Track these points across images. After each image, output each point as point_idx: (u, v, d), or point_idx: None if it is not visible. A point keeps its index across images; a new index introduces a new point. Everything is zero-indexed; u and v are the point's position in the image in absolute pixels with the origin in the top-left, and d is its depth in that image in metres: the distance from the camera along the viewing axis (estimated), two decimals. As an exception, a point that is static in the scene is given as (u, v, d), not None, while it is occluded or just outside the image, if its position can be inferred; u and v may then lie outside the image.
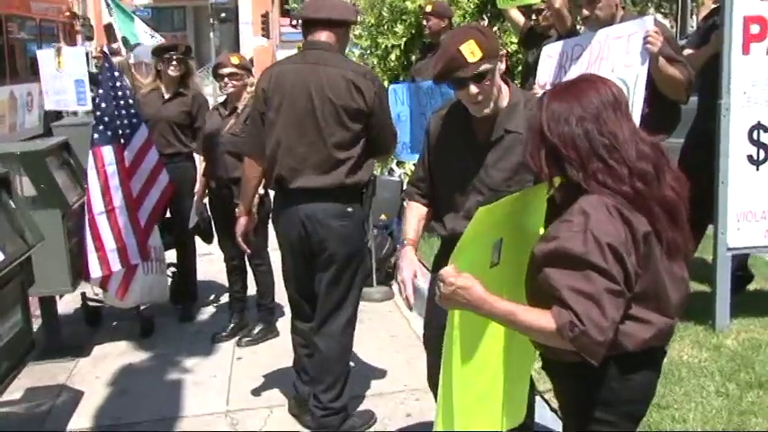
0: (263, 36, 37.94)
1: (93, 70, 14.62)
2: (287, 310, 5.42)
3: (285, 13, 38.70)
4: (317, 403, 4.00)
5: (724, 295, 4.55)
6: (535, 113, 2.25)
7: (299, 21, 4.02)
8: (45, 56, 8.18)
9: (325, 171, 3.77)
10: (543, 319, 2.06)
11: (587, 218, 2.07)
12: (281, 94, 3.79)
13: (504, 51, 3.03)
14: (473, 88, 2.85)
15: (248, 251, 4.34)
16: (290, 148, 3.78)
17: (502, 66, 2.98)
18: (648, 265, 2.14)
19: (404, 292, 2.93)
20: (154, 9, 43.44)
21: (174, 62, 5.73)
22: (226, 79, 5.11)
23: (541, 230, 2.36)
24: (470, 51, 2.80)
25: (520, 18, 6.18)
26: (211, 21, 30.96)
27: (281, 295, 5.46)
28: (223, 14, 30.29)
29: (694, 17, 29.27)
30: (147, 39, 12.44)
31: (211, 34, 31.44)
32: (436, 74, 2.94)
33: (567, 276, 2.05)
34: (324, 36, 3.84)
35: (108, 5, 12.62)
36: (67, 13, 17.82)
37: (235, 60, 5.17)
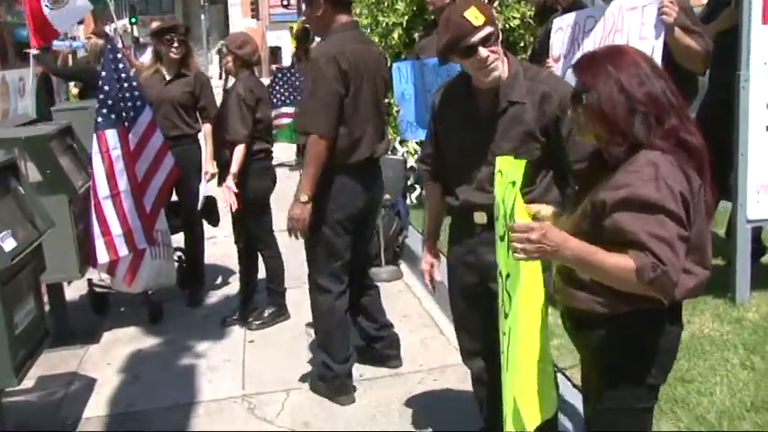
0: (252, 17, 37.74)
1: (83, 54, 14.42)
2: (296, 292, 5.40)
3: (274, -7, 38.57)
4: None
5: (744, 268, 4.51)
6: (595, 81, 2.25)
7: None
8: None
9: (382, 139, 4.20)
10: (622, 260, 2.12)
11: (657, 168, 2.15)
12: (359, 75, 3.94)
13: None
14: (483, 51, 2.88)
15: (297, 236, 4.09)
16: (373, 124, 4.06)
17: (500, 34, 2.99)
18: (697, 217, 2.22)
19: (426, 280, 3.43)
20: (142, -9, 43.12)
21: (176, 44, 5.64)
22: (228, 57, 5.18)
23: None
24: (474, 16, 2.86)
25: None
26: (202, 2, 30.68)
27: (293, 277, 5.44)
28: (213, -5, 30.08)
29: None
30: None
31: (201, 16, 31.17)
32: (443, 46, 2.93)
33: (642, 221, 2.12)
34: (351, 15, 4.06)
35: None
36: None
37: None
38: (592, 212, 2.25)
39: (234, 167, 5.01)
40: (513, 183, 2.26)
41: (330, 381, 4.25)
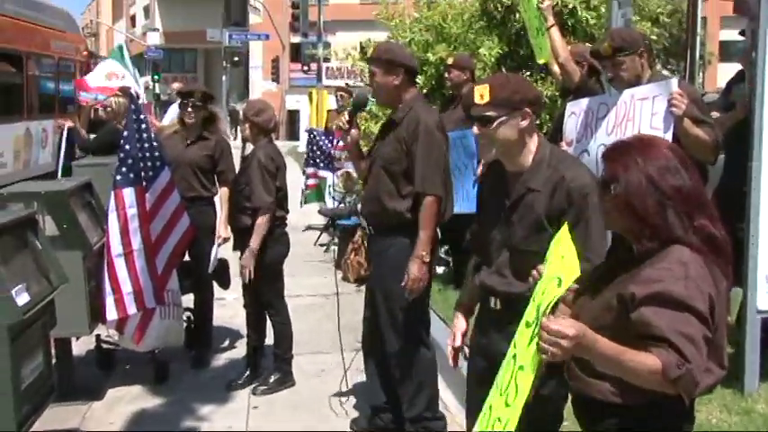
0: (272, 80, 38.34)
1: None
2: (303, 359, 5.40)
3: (295, 58, 39.27)
4: None
5: (753, 358, 4.49)
6: (618, 173, 2.26)
7: (405, 69, 4.26)
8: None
9: None
10: (648, 359, 2.10)
11: (687, 267, 2.16)
12: (446, 142, 4.32)
13: (529, 110, 2.96)
14: (474, 128, 2.97)
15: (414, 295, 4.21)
16: (450, 187, 4.35)
17: (523, 123, 2.94)
18: (719, 318, 2.22)
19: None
20: (165, 50, 43.99)
21: (190, 109, 5.77)
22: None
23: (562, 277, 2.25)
24: (480, 94, 2.90)
25: (575, 69, 6.10)
26: (224, 63, 31.25)
27: (299, 343, 5.43)
28: (236, 58, 30.62)
29: (701, 75, 29.50)
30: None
31: (223, 77, 31.70)
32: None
33: (670, 318, 2.12)
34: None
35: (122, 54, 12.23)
36: (85, 53, 17.98)
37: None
38: (618, 306, 2.23)
39: (259, 234, 5.08)
40: (560, 281, 2.17)
41: None
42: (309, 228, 11.03)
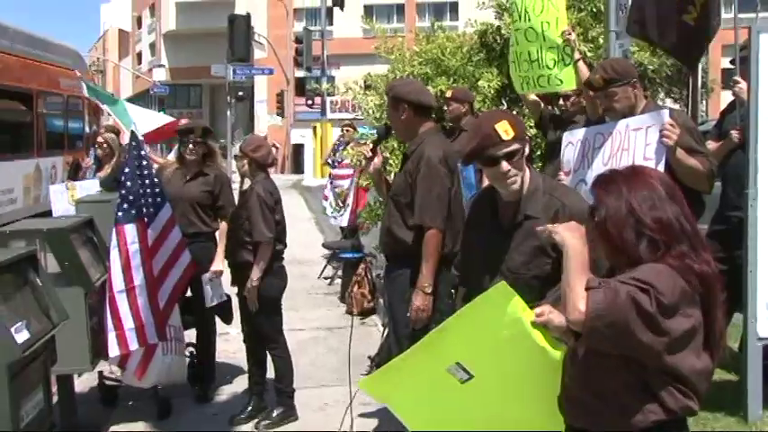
0: (277, 115, 38.56)
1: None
2: (307, 393, 5.38)
3: (300, 92, 39.53)
4: None
5: (756, 386, 4.48)
6: (610, 202, 2.33)
7: (409, 104, 4.32)
8: (57, 191, 7.65)
9: None
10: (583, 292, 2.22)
11: (658, 271, 2.21)
12: (456, 174, 4.37)
13: (528, 137, 3.13)
14: (505, 165, 3.01)
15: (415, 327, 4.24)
16: (460, 221, 4.24)
17: (527, 150, 3.12)
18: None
19: None
20: (171, 86, 44.40)
21: (191, 145, 5.83)
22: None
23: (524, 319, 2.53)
24: (504, 130, 2.99)
25: (536, 99, 6.25)
26: (228, 99, 31.46)
27: (303, 377, 5.42)
28: (240, 93, 30.80)
29: (704, 103, 29.55)
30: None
31: (228, 112, 31.90)
32: (469, 151, 3.11)
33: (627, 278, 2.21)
34: (433, 120, 4.47)
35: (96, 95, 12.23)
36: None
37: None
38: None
39: (260, 268, 5.12)
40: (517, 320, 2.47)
41: None
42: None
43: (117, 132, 8.28)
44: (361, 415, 5.12)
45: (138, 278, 5.10)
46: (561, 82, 5.45)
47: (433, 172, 4.19)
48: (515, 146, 3.01)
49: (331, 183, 11.17)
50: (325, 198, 11.24)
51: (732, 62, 5.28)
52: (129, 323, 5.06)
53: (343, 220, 10.08)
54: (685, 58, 5.60)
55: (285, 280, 5.42)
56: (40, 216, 8.85)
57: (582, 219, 2.89)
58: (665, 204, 2.27)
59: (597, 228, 2.32)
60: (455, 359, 2.59)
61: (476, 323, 2.59)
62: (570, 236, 2.37)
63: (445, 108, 6.96)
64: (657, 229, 2.24)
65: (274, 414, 5.35)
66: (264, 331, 5.35)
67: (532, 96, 6.21)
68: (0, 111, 13.84)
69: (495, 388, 2.61)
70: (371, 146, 4.53)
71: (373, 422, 4.67)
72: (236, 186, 5.91)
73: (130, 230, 5.10)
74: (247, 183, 5.40)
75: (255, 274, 5.11)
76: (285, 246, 5.44)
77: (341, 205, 10.32)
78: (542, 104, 6.33)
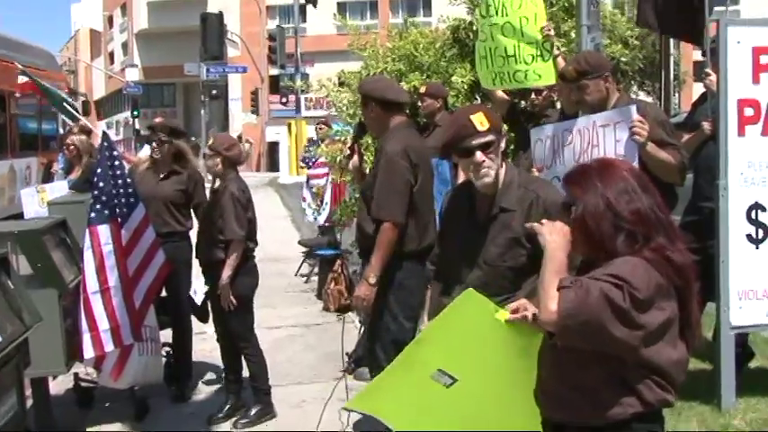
0: (252, 113, 38.44)
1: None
2: (284, 390, 5.36)
3: (275, 90, 39.39)
4: None
5: (729, 374, 4.53)
6: (570, 195, 2.36)
7: (376, 101, 4.32)
8: (27, 194, 7.71)
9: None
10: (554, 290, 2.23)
11: (633, 264, 2.22)
12: (423, 169, 4.27)
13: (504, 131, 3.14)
14: (479, 155, 3.03)
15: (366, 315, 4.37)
16: (429, 215, 4.31)
17: (502, 144, 3.15)
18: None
19: None
20: (144, 85, 44.08)
21: (154, 144, 5.80)
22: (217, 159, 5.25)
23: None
24: (480, 121, 3.03)
25: (504, 97, 6.27)
26: (202, 97, 31.30)
27: (280, 375, 5.41)
28: (214, 91, 30.64)
29: (677, 95, 29.78)
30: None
31: (202, 111, 31.75)
32: (445, 142, 3.15)
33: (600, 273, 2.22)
34: (404, 115, 4.46)
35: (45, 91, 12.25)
36: (67, 90, 18.06)
37: (210, 141, 5.39)
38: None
39: (231, 266, 5.10)
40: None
41: None
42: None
43: (89, 132, 8.18)
44: (339, 411, 5.11)
45: (113, 279, 5.06)
46: (539, 77, 5.47)
47: (391, 166, 4.18)
48: (490, 137, 3.03)
49: (307, 183, 11.17)
50: (304, 199, 11.26)
51: (704, 54, 5.32)
52: (103, 324, 5.01)
53: (322, 219, 10.07)
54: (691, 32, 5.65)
55: (257, 278, 5.40)
56: (14, 218, 8.80)
57: (557, 211, 2.93)
58: (641, 196, 2.27)
59: (574, 223, 2.32)
60: (436, 367, 2.63)
61: (451, 331, 2.64)
62: (551, 239, 2.36)
63: (419, 104, 6.97)
64: (635, 221, 2.25)
65: (252, 412, 5.33)
66: (235, 330, 5.31)
67: (500, 93, 6.23)
68: (-27, 113, 13.67)
69: (480, 388, 2.65)
70: (350, 143, 4.54)
71: (354, 417, 4.67)
72: (207, 185, 5.89)
73: (104, 231, 5.05)
74: (218, 181, 5.37)
75: (227, 272, 5.09)
76: (256, 244, 5.42)
77: (319, 204, 10.31)
78: (510, 100, 6.35)
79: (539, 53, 5.36)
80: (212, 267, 5.25)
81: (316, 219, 10.52)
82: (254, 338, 5.39)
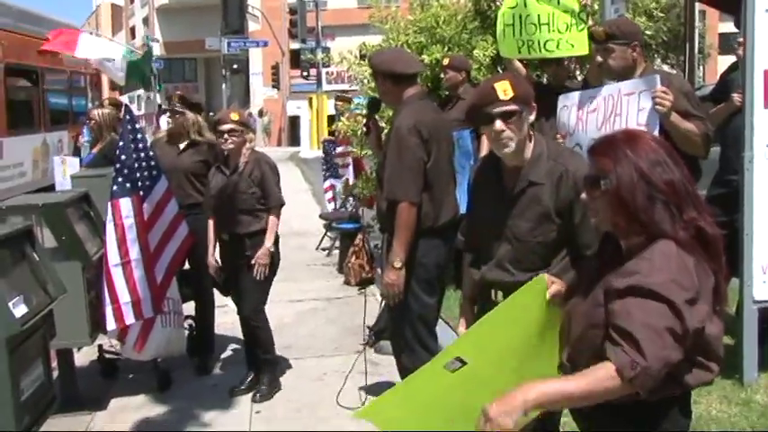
0: (273, 87, 38.37)
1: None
2: (306, 363, 5.38)
3: (295, 64, 39.30)
4: None
5: (751, 349, 4.50)
6: (614, 168, 2.22)
7: (386, 75, 4.23)
8: (57, 162, 8.58)
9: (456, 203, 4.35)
10: (599, 371, 2.07)
11: (669, 260, 2.11)
12: (437, 142, 4.12)
13: (535, 104, 3.07)
14: (498, 124, 2.94)
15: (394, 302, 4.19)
16: (451, 189, 4.27)
17: (531, 117, 3.06)
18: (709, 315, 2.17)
19: None
20: (166, 60, 44.01)
21: (168, 116, 5.82)
22: (225, 135, 5.14)
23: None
24: (503, 90, 2.93)
25: (521, 68, 6.22)
26: (223, 72, 31.30)
27: (301, 348, 5.43)
28: (235, 65, 30.66)
29: (701, 68, 29.42)
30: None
31: (223, 85, 31.76)
32: (468, 108, 3.09)
33: (639, 309, 2.08)
34: (418, 86, 4.32)
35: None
36: (94, 67, 18.53)
37: (234, 116, 5.21)
38: (605, 302, 2.19)
39: (273, 231, 5.18)
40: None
41: None
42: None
43: (118, 105, 8.17)
44: (361, 388, 5.16)
45: (134, 252, 5.10)
46: (572, 46, 5.42)
47: (402, 143, 4.05)
48: (512, 107, 2.92)
49: (333, 180, 11.12)
50: (333, 200, 11.20)
51: (737, 24, 5.22)
52: (124, 297, 5.06)
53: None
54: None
55: (279, 254, 5.39)
56: (44, 190, 9.07)
57: None
58: (672, 167, 2.20)
59: (606, 196, 2.22)
60: (457, 355, 2.48)
61: (512, 314, 2.51)
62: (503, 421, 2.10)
63: (442, 76, 6.94)
64: (669, 192, 2.17)
65: (264, 385, 5.35)
66: (254, 304, 5.30)
67: (518, 64, 6.17)
68: (9, 88, 14.09)
69: (489, 367, 2.49)
70: (364, 121, 4.51)
71: (375, 390, 4.71)
72: None
73: (126, 204, 5.08)
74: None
75: (270, 238, 5.14)
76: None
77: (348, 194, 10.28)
78: (526, 71, 6.30)
79: (574, 22, 5.32)
80: (245, 239, 5.21)
81: (346, 207, 10.48)
82: (264, 311, 5.38)
